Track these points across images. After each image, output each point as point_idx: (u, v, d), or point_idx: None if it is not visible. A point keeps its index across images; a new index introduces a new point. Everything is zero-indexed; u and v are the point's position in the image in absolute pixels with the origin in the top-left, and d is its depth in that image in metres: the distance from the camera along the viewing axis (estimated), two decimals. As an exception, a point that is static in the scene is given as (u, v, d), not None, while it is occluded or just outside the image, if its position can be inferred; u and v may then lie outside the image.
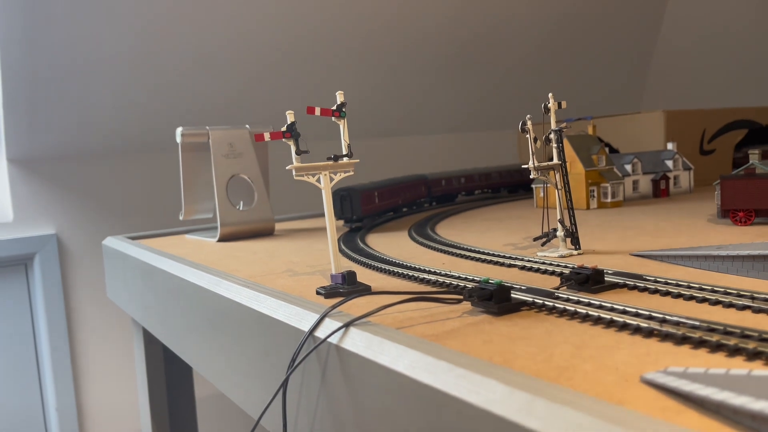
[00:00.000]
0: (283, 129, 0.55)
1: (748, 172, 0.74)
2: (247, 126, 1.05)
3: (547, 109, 0.64)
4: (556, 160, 0.65)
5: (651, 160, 1.08)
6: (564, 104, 0.65)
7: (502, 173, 1.31)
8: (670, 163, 1.09)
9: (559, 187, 0.65)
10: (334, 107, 0.56)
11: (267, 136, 0.55)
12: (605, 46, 1.94)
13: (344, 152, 0.57)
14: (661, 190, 1.06)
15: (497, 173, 1.31)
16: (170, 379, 1.07)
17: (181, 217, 1.04)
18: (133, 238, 1.08)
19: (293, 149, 0.55)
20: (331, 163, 0.56)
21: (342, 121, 0.57)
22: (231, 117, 1.47)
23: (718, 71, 1.88)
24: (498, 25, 1.73)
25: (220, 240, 0.97)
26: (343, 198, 0.95)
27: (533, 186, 1.10)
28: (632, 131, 1.27)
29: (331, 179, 0.57)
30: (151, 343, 1.06)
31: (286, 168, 0.55)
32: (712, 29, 1.86)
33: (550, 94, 0.65)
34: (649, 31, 1.99)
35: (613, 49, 1.96)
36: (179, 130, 0.98)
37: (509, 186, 1.32)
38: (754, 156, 0.76)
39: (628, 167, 1.04)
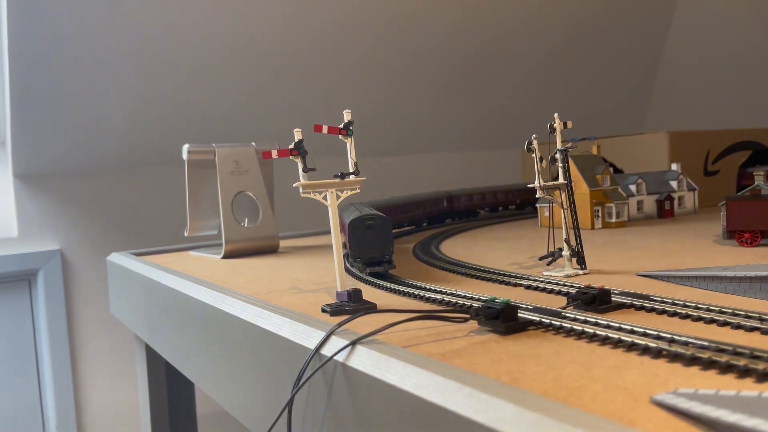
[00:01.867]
0: (291, 147, 0.56)
1: (754, 194, 0.74)
2: (253, 144, 1.05)
3: (553, 129, 0.65)
4: (561, 180, 0.65)
5: (655, 180, 1.08)
6: (570, 124, 0.65)
7: (514, 192, 1.34)
8: (674, 184, 1.09)
9: (564, 206, 0.65)
10: (342, 125, 0.57)
11: (275, 154, 0.55)
12: (609, 66, 1.96)
13: (351, 170, 0.57)
14: (665, 211, 1.06)
15: (519, 191, 1.34)
16: (172, 396, 1.07)
17: (185, 234, 1.04)
18: (138, 255, 1.08)
19: (300, 167, 0.56)
20: (338, 180, 0.57)
21: (349, 139, 0.57)
22: (236, 132, 1.48)
23: (721, 92, 1.89)
24: (501, 44, 1.74)
25: (225, 257, 0.97)
26: (368, 228, 0.65)
27: (538, 206, 1.10)
28: (636, 151, 1.27)
29: (338, 197, 0.57)
30: (153, 359, 1.06)
31: (293, 185, 0.56)
32: (716, 50, 1.88)
33: (555, 114, 0.65)
34: (653, 51, 2.01)
35: (616, 69, 1.98)
36: (186, 147, 0.99)
37: (532, 203, 1.34)
38: (759, 177, 0.76)
39: (633, 187, 1.04)
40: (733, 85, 1.85)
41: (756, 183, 0.75)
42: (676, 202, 1.08)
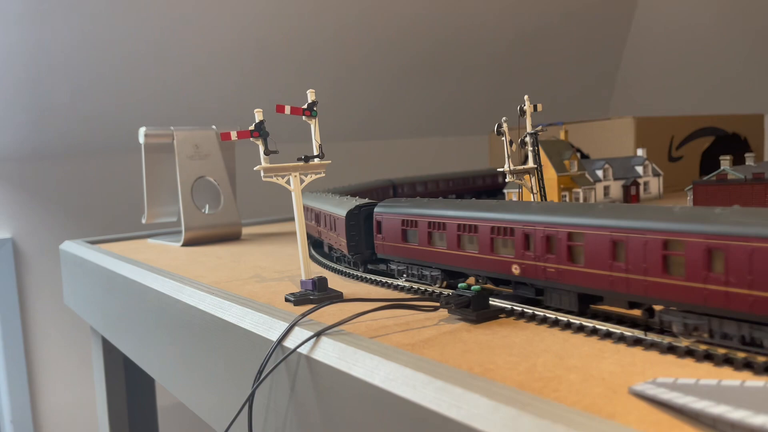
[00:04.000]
0: (251, 128, 0.53)
1: (720, 178, 0.74)
2: (214, 127, 1.01)
3: (523, 112, 0.63)
4: (531, 164, 0.63)
5: (622, 166, 1.08)
6: (540, 107, 0.64)
7: (467, 179, 1.30)
8: (640, 169, 1.09)
9: (534, 191, 0.64)
10: (305, 106, 0.54)
11: (234, 135, 0.52)
12: (573, 53, 1.96)
13: (315, 153, 0.55)
14: (631, 196, 1.06)
15: (462, 179, 1.30)
16: (131, 389, 1.03)
17: (143, 221, 1.00)
18: (93, 243, 1.04)
19: (261, 149, 0.53)
20: (301, 164, 0.54)
21: (313, 120, 0.55)
22: (197, 118, 1.43)
23: (684, 79, 1.91)
24: (467, 30, 1.72)
25: (185, 244, 0.94)
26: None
27: (506, 191, 1.09)
28: (602, 137, 1.27)
29: (302, 181, 0.54)
30: (110, 351, 1.02)
31: (254, 169, 0.53)
32: (679, 38, 1.89)
33: (525, 96, 0.63)
34: (617, 37, 2.02)
35: (581, 55, 1.98)
36: (142, 130, 0.95)
37: (477, 191, 1.31)
38: (725, 162, 0.76)
39: (600, 173, 1.04)
40: (695, 71, 1.87)
41: (722, 168, 0.76)
42: (641, 187, 1.08)
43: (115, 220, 1.40)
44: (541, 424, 0.26)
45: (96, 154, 1.43)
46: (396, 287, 0.55)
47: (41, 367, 1.39)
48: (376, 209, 0.58)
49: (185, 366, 0.60)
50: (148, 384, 1.06)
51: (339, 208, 0.62)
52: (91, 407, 1.40)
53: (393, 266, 0.57)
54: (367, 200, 0.61)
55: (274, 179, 0.53)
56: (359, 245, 0.59)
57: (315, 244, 0.82)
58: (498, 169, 0.65)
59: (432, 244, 0.51)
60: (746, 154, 0.84)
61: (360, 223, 0.59)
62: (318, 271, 0.66)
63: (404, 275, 0.55)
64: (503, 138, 0.62)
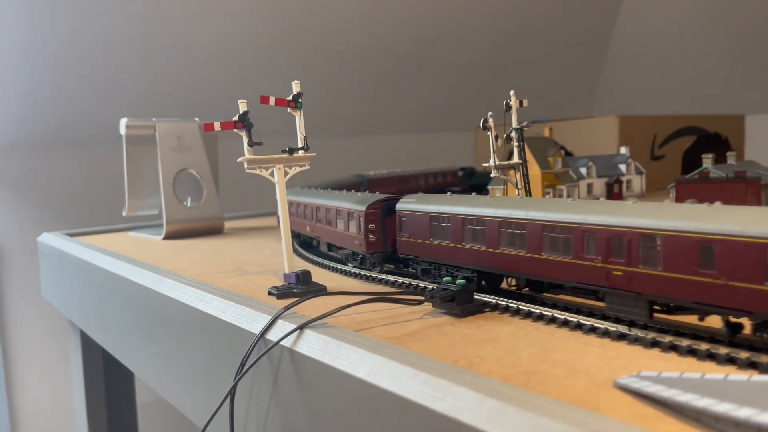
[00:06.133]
0: (235, 119, 0.52)
1: (702, 176, 0.75)
2: (197, 119, 1.00)
3: (509, 107, 0.63)
4: (516, 159, 0.63)
5: (605, 163, 1.09)
6: (525, 102, 0.64)
7: (437, 174, 1.29)
8: (623, 167, 1.10)
9: (519, 186, 0.63)
10: (290, 97, 0.54)
11: (218, 126, 0.52)
12: (558, 51, 1.97)
13: (300, 145, 0.54)
14: (614, 194, 1.07)
15: (432, 174, 1.28)
16: (109, 384, 1.02)
17: (124, 213, 0.99)
18: (72, 235, 1.02)
19: (245, 140, 0.52)
20: (285, 156, 0.54)
21: (298, 112, 0.54)
22: (180, 111, 1.42)
23: (667, 79, 1.93)
24: (452, 28, 1.72)
25: (166, 238, 0.92)
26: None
27: (490, 187, 1.09)
28: (586, 135, 1.28)
29: (286, 173, 0.54)
30: (89, 345, 1.00)
31: (238, 160, 0.52)
32: (663, 38, 1.91)
33: (512, 92, 0.63)
34: (602, 36, 2.03)
35: (566, 53, 1.99)
36: (123, 121, 0.93)
37: (439, 188, 1.29)
38: (707, 160, 0.77)
39: (583, 170, 1.05)
40: (678, 72, 1.89)
41: (704, 166, 0.76)
42: (624, 185, 1.09)
43: (94, 212, 1.38)
44: (526, 416, 0.26)
45: (75, 146, 1.41)
46: (380, 281, 0.54)
47: (18, 360, 1.36)
48: (398, 205, 0.54)
49: (165, 360, 0.59)
50: (128, 378, 1.04)
51: (354, 203, 0.57)
52: (69, 401, 1.38)
53: (416, 266, 0.52)
54: (387, 195, 0.57)
55: (257, 171, 0.53)
56: (377, 243, 0.55)
57: (303, 244, 0.78)
58: (483, 165, 0.64)
59: (473, 243, 0.46)
60: (728, 153, 0.85)
61: (380, 218, 0.55)
62: (302, 265, 0.66)
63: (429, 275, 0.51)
64: (489, 133, 0.61)
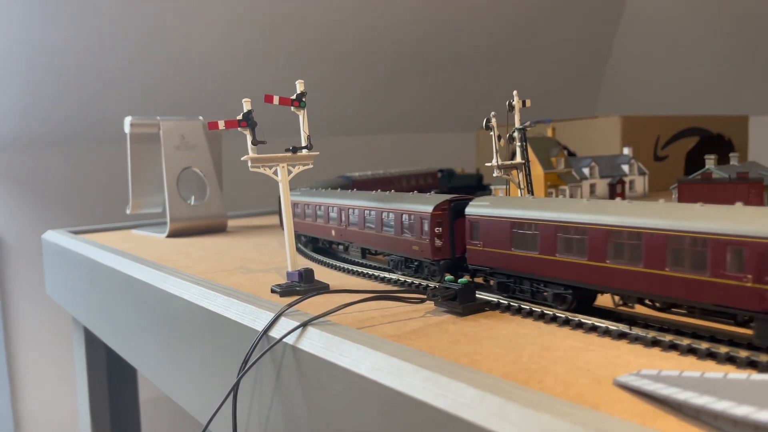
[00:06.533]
0: (239, 117, 0.53)
1: (705, 177, 0.75)
2: (201, 117, 1.01)
3: (512, 107, 0.63)
4: (519, 159, 0.63)
5: (608, 164, 1.09)
6: (528, 102, 0.64)
7: (418, 176, 1.26)
8: (626, 168, 1.10)
9: (521, 186, 0.64)
10: (294, 96, 0.54)
11: (221, 125, 0.52)
12: (561, 51, 1.97)
13: (303, 144, 0.54)
14: (617, 194, 1.07)
15: (414, 176, 1.26)
16: (113, 381, 1.02)
17: (128, 211, 0.99)
18: (76, 233, 1.03)
19: (249, 139, 0.53)
20: (289, 154, 0.54)
21: (302, 111, 0.54)
22: (184, 109, 1.42)
23: (670, 80, 1.93)
24: (455, 28, 1.72)
25: (170, 236, 0.93)
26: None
27: (492, 187, 1.09)
28: (589, 135, 1.28)
29: (290, 172, 0.54)
30: (92, 343, 1.01)
31: (242, 159, 0.52)
32: (666, 39, 1.91)
33: (515, 92, 0.64)
34: (605, 36, 2.03)
35: (569, 54, 1.99)
36: (128, 120, 0.94)
37: (420, 190, 1.25)
38: (710, 161, 0.77)
39: (586, 171, 1.05)
40: (682, 72, 1.89)
41: (707, 167, 0.76)
42: (627, 185, 1.09)
43: (98, 210, 1.39)
44: (526, 413, 0.26)
45: (79, 144, 1.41)
46: (383, 279, 0.55)
47: (22, 357, 1.37)
48: (469, 209, 0.48)
49: (168, 357, 0.60)
50: (131, 375, 1.05)
51: (415, 204, 0.52)
52: (73, 398, 1.38)
53: (490, 278, 0.46)
54: (455, 195, 0.52)
55: (261, 170, 0.53)
56: (444, 249, 0.50)
57: (318, 250, 0.73)
58: (486, 164, 0.65)
59: (569, 254, 0.40)
60: (731, 154, 0.85)
61: (448, 222, 0.50)
62: (305, 263, 0.66)
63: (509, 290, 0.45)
64: (491, 133, 0.62)
